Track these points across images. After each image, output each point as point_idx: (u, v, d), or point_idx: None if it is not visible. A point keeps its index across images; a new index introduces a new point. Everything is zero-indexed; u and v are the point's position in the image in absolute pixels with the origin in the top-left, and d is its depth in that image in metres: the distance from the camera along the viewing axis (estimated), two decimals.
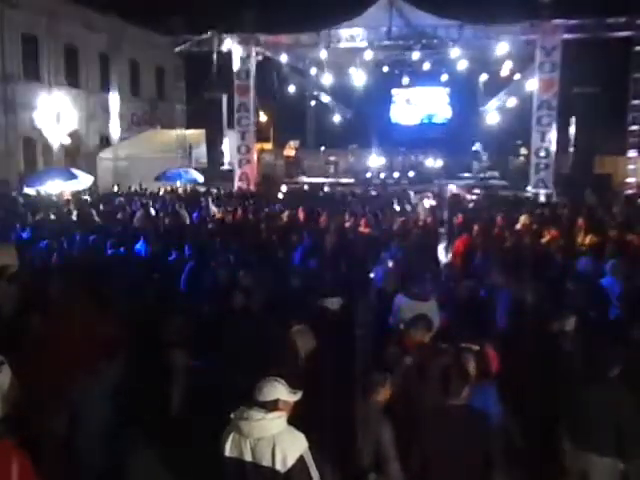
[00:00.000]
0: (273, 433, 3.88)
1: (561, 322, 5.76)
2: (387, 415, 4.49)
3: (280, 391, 3.95)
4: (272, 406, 3.93)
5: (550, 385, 4.66)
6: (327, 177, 32.07)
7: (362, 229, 12.44)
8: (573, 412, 4.60)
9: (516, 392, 4.77)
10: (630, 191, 23.60)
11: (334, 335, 5.56)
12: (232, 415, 3.94)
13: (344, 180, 30.71)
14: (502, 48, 25.09)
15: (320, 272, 8.70)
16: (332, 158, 34.68)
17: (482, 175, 30.08)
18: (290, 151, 34.96)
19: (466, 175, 30.70)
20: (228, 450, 3.94)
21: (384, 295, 7.48)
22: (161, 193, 23.87)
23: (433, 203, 18.41)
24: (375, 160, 33.22)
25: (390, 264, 8.91)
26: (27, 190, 21.85)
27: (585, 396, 4.57)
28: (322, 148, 35.41)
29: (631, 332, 5.91)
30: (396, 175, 31.49)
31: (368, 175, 31.76)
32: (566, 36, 23.99)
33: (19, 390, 4.03)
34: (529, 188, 24.78)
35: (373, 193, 24.20)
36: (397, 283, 7.72)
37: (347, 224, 13.33)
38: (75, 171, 22.28)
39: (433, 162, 32.77)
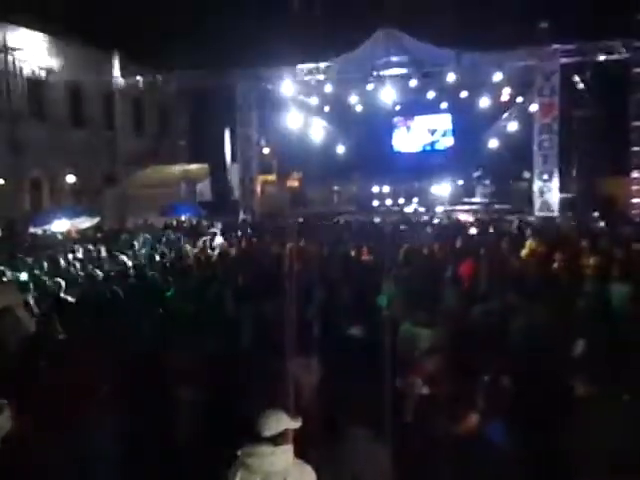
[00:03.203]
0: (283, 468, 3.82)
1: (570, 346, 5.70)
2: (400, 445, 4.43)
3: (286, 421, 3.89)
4: (280, 439, 3.87)
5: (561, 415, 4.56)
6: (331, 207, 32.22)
7: (364, 257, 12.44)
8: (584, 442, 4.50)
9: (529, 426, 4.69)
10: (635, 212, 23.55)
11: (355, 364, 5.50)
12: (239, 452, 3.88)
13: (348, 209, 30.80)
14: (501, 74, 25.27)
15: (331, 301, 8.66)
16: (336, 188, 34.81)
17: (486, 200, 30.14)
18: (294, 182, 35.13)
19: (470, 201, 30.78)
20: None
21: (390, 322, 7.42)
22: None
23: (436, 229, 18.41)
24: (379, 188, 33.33)
25: (395, 291, 8.87)
26: (33, 229, 21.95)
27: (596, 424, 4.48)
28: (325, 178, 35.53)
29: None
30: (401, 202, 31.62)
31: (375, 204, 31.89)
32: (564, 60, 24.18)
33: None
34: (536, 212, 24.78)
35: (377, 221, 24.20)
36: (403, 310, 7.68)
37: (352, 252, 13.33)
38: (80, 209, 22.44)
39: (437, 188, 32.85)
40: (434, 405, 4.60)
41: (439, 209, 28.80)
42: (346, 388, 4.71)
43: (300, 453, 3.97)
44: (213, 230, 21.82)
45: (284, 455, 3.81)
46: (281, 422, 3.88)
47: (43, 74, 27.44)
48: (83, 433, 4.86)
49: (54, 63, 27.59)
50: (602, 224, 18.85)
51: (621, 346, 6.34)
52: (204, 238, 17.07)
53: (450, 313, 7.83)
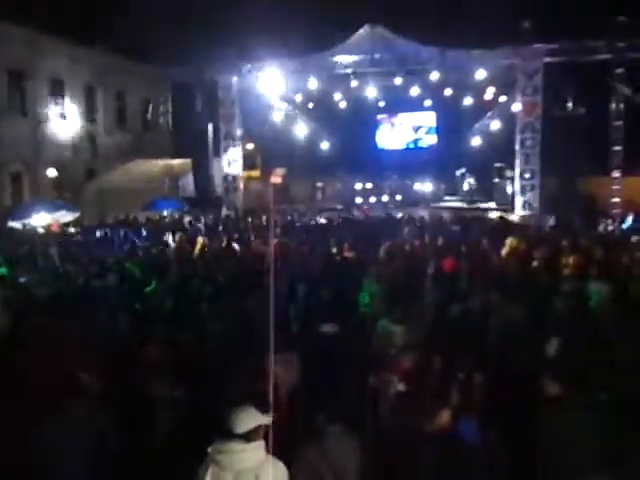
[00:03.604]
0: (254, 464, 3.80)
1: (545, 345, 5.72)
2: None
3: (257, 418, 3.87)
4: (252, 435, 3.85)
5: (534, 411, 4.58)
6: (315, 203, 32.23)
7: (346, 254, 12.42)
8: (555, 441, 4.52)
9: (501, 423, 4.69)
10: (615, 211, 23.73)
11: (330, 361, 5.48)
12: (209, 449, 3.85)
13: (331, 206, 30.80)
14: (485, 72, 25.34)
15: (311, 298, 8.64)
16: (319, 184, 34.80)
17: (469, 198, 30.30)
18: (277, 178, 34.86)
19: (453, 198, 30.92)
20: None
21: (369, 319, 7.42)
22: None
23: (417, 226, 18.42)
24: (362, 185, 33.38)
25: (375, 288, 8.87)
26: (12, 223, 21.69)
27: (567, 422, 4.49)
28: (309, 175, 35.51)
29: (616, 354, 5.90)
30: (385, 199, 31.68)
31: (358, 200, 31.92)
32: (547, 59, 24.28)
33: None
34: (518, 211, 24.93)
35: (360, 218, 24.23)
36: (382, 307, 7.69)
37: (333, 249, 13.32)
38: (61, 203, 22.23)
39: (421, 186, 32.96)
40: (409, 402, 4.60)
41: (422, 206, 28.91)
42: (320, 385, 4.70)
43: (277, 449, 3.95)
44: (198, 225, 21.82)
45: (255, 452, 3.79)
46: (252, 419, 3.86)
47: (24, 67, 27.08)
48: (58, 426, 4.81)
49: (35, 57, 27.23)
50: (582, 223, 18.93)
51: (597, 345, 6.39)
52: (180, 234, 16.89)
53: (427, 310, 7.84)
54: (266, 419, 3.89)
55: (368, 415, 4.53)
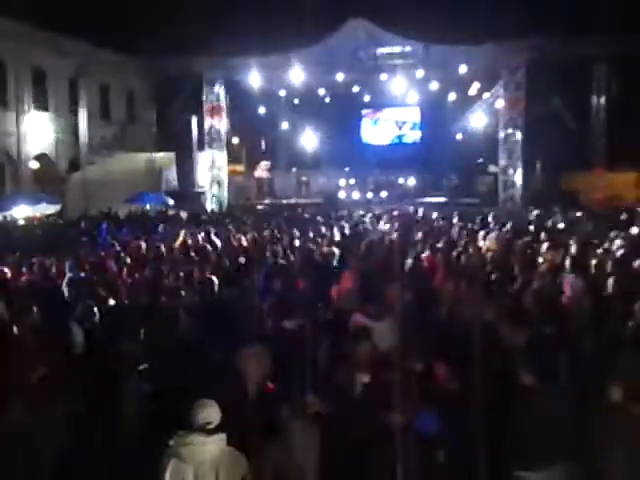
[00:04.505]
0: (215, 457, 3.83)
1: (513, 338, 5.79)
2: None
3: (218, 411, 3.92)
4: (214, 428, 3.89)
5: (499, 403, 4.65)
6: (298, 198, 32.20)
7: (325, 249, 12.43)
8: (522, 429, 4.59)
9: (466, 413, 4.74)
10: (597, 207, 23.89)
11: (291, 355, 5.51)
12: (171, 442, 3.87)
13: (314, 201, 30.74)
14: (468, 68, 25.43)
15: (282, 293, 8.66)
16: (303, 179, 34.81)
17: (452, 193, 30.38)
18: (261, 172, 35.02)
19: (437, 194, 30.99)
20: (169, 477, 3.86)
21: (342, 314, 7.44)
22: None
23: (396, 223, 18.44)
24: (346, 180, 33.42)
25: (349, 283, 8.89)
26: None
27: (534, 411, 4.58)
28: (293, 169, 35.52)
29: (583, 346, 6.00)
30: (369, 195, 31.69)
31: (341, 195, 31.90)
32: (530, 55, 24.41)
33: None
34: (500, 206, 25.05)
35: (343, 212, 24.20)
36: (355, 302, 7.71)
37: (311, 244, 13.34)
38: (42, 196, 22.14)
39: (404, 181, 33.05)
40: (372, 395, 4.64)
41: (405, 202, 28.93)
42: (283, 379, 4.73)
43: (238, 443, 3.98)
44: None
45: (215, 444, 3.83)
46: (213, 412, 3.90)
47: (6, 58, 26.84)
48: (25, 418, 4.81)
49: (18, 47, 26.98)
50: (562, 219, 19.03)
51: (566, 339, 6.47)
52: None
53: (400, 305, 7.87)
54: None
55: (331, 409, 4.56)
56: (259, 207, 29.01)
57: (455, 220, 18.57)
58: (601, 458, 4.31)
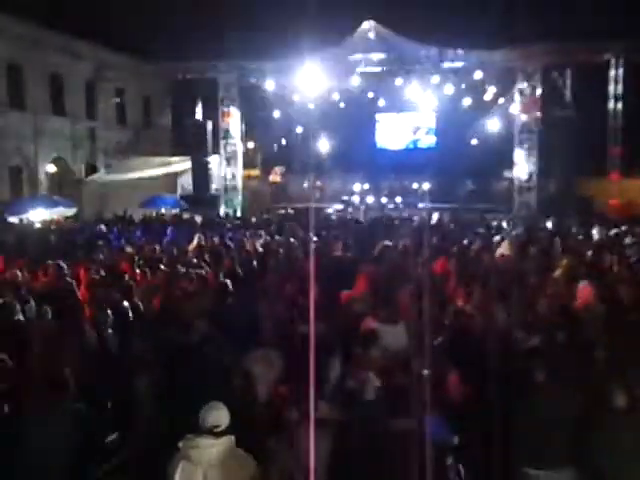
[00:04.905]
0: (223, 459, 3.85)
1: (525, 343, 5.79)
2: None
3: (227, 414, 3.94)
4: (223, 431, 3.91)
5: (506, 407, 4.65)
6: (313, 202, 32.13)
7: (337, 253, 12.43)
8: (533, 429, 4.61)
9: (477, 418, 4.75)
10: (612, 213, 23.73)
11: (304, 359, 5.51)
12: (180, 444, 3.90)
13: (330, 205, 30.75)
14: (484, 73, 25.38)
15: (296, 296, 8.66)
16: (318, 183, 34.79)
17: (467, 199, 30.27)
18: (276, 177, 35.12)
19: (451, 199, 30.86)
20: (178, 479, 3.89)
21: (353, 318, 7.44)
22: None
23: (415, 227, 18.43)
24: (361, 185, 33.42)
25: (363, 287, 8.89)
26: (11, 219, 21.79)
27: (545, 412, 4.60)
28: (308, 174, 35.50)
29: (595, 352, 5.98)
30: (384, 200, 31.68)
31: (355, 200, 31.91)
32: (546, 60, 24.31)
33: None
34: (516, 212, 24.97)
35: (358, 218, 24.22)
36: (367, 306, 7.71)
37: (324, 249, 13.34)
38: (58, 199, 22.34)
39: (419, 186, 32.97)
40: (382, 399, 4.64)
41: (420, 207, 28.87)
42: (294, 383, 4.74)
43: (248, 445, 4.00)
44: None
45: (224, 447, 3.84)
46: (223, 414, 3.92)
47: (24, 62, 27.10)
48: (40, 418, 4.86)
49: (36, 51, 27.24)
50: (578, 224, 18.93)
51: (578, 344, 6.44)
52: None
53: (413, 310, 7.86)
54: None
55: (342, 413, 4.56)
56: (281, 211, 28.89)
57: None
58: (608, 459, 4.31)
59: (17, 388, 5.36)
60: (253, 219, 23.53)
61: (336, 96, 29.78)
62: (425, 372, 4.27)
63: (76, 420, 4.88)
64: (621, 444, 4.28)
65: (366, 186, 33.37)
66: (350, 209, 29.05)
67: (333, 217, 23.69)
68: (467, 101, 28.56)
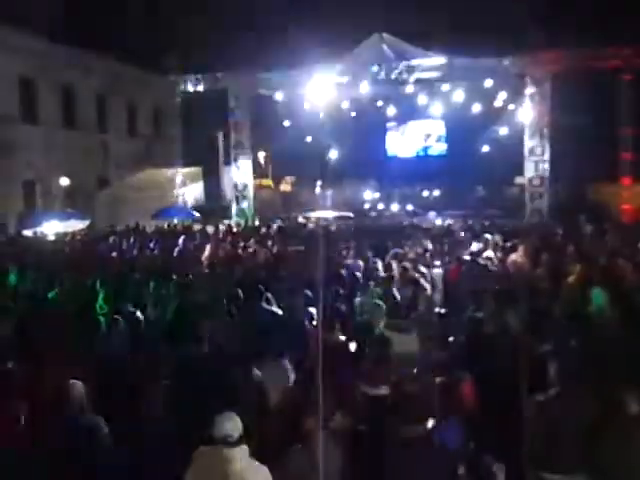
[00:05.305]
0: (238, 469, 3.85)
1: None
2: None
3: (241, 424, 3.94)
4: (237, 440, 3.91)
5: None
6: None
7: (349, 261, 12.44)
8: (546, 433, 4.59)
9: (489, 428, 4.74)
10: (624, 218, 23.58)
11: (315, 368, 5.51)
12: (194, 453, 3.91)
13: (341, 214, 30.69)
14: (493, 81, 25.38)
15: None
16: (329, 192, 34.82)
17: (478, 206, 30.18)
18: (286, 186, 35.22)
19: (463, 206, 30.80)
20: None
21: (366, 327, 7.44)
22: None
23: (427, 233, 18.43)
24: (371, 193, 33.45)
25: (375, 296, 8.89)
26: (24, 231, 21.96)
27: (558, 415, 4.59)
28: (319, 182, 35.57)
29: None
30: (395, 208, 31.68)
31: (366, 207, 31.97)
32: (556, 67, 24.25)
33: None
34: (527, 218, 24.87)
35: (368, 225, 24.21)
36: (381, 315, 7.71)
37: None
38: (71, 212, 22.50)
39: (430, 194, 32.97)
40: (393, 406, 4.63)
41: (432, 215, 28.85)
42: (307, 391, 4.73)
43: (262, 454, 4.00)
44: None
45: (238, 456, 3.84)
46: (236, 424, 3.92)
47: (36, 76, 27.33)
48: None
49: (47, 65, 27.48)
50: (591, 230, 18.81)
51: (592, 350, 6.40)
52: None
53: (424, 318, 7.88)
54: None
55: (355, 420, 4.56)
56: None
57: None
58: (623, 465, 4.30)
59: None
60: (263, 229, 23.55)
61: (346, 105, 29.82)
62: (441, 378, 4.28)
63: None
64: (636, 450, 4.26)
65: (377, 194, 33.39)
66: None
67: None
68: (477, 108, 28.50)
